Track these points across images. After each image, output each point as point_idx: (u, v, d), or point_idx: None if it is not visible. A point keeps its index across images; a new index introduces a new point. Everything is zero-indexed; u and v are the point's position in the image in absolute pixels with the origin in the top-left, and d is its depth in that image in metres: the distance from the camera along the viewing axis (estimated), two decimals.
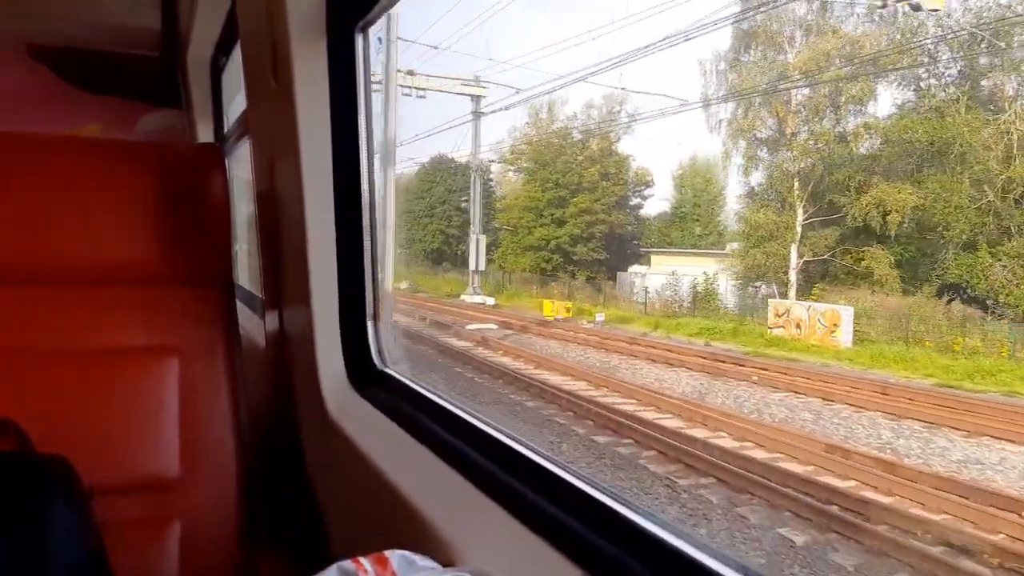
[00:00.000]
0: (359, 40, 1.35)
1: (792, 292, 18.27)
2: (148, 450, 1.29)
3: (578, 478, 0.86)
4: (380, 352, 1.47)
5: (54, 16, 3.09)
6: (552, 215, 28.02)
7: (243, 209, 3.01)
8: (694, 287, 20.71)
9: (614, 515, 0.77)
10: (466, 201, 30.39)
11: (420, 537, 0.89)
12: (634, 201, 29.80)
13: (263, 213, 1.75)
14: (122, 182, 1.40)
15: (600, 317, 18.04)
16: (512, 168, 32.34)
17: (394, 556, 0.68)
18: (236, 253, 1.79)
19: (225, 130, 3.41)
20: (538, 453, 0.95)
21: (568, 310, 18.88)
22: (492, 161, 30.42)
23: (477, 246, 23.95)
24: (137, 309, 1.38)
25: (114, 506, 1.10)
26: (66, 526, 0.94)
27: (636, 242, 28.48)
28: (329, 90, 1.37)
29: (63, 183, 1.36)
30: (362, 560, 0.67)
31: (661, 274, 22.35)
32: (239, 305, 1.53)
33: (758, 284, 19.95)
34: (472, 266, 24.34)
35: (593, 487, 0.83)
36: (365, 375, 1.44)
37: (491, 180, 32.01)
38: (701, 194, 27.75)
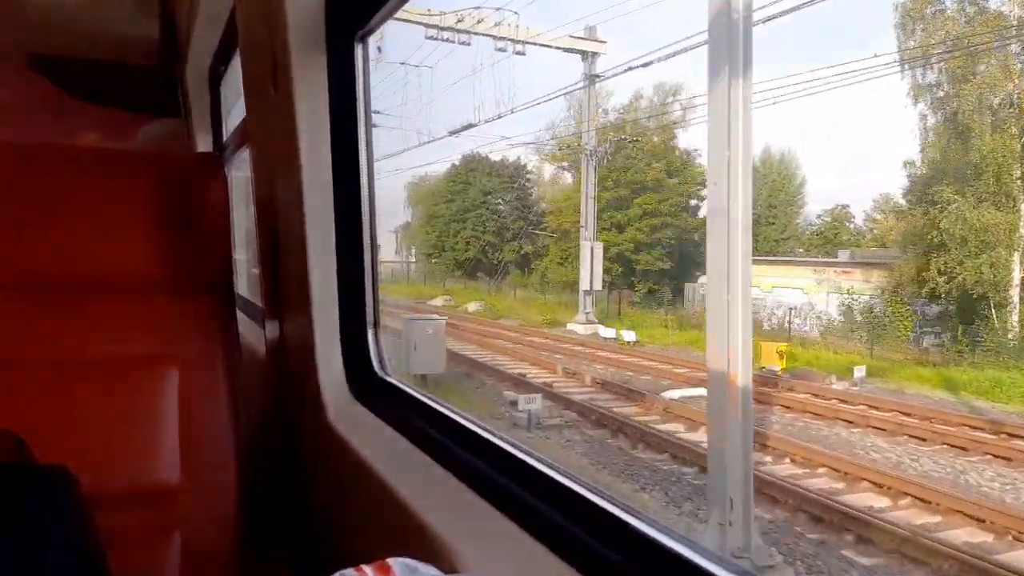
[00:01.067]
0: (358, 49, 1.36)
1: (1014, 316, 13.54)
2: (148, 459, 1.29)
3: (579, 484, 0.86)
4: (381, 360, 1.47)
5: (52, 26, 3.10)
6: (612, 218, 23.99)
7: (241, 218, 3.01)
8: (846, 307, 15.39)
9: (616, 521, 0.77)
10: (502, 204, 28.53)
11: (422, 545, 0.89)
12: (690, 202, 25.83)
13: (263, 221, 1.76)
14: (122, 191, 1.41)
15: (860, 373, 11.36)
16: (557, 165, 28.59)
17: (397, 564, 0.68)
18: (236, 262, 1.79)
19: (224, 139, 3.42)
20: (540, 460, 0.95)
21: (781, 355, 11.83)
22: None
23: (592, 258, 17.71)
24: (137, 318, 1.38)
25: (115, 516, 1.09)
26: (67, 536, 0.94)
27: (697, 248, 23.61)
28: (329, 99, 1.38)
29: (63, 193, 1.37)
30: (365, 568, 0.66)
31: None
32: (239, 314, 1.53)
33: (924, 304, 14.69)
34: (585, 285, 17.89)
35: (595, 493, 0.83)
36: (366, 383, 1.44)
37: (528, 180, 29.43)
38: (777, 192, 23.86)
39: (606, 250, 22.17)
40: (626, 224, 23.94)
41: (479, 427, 1.10)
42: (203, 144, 3.51)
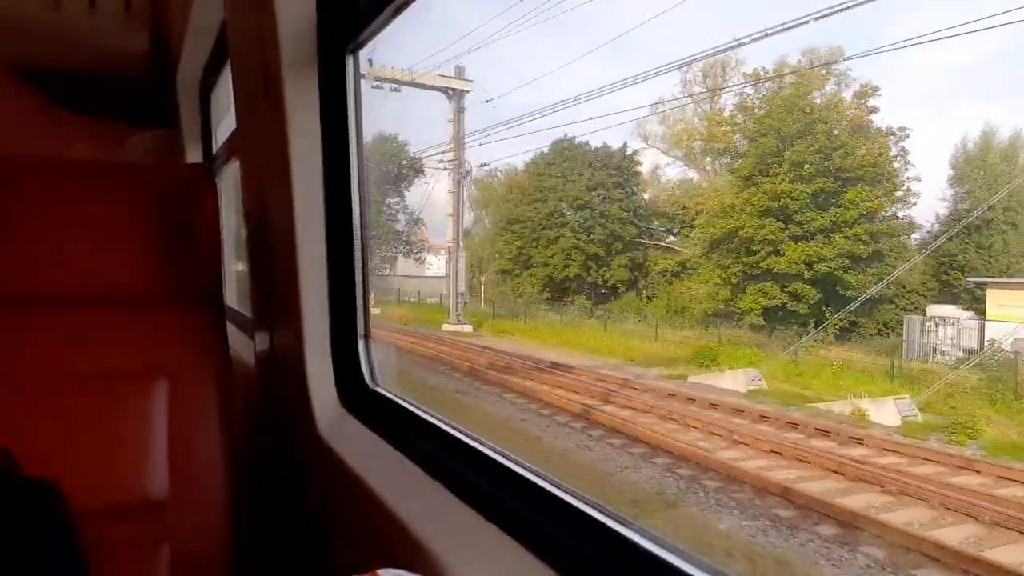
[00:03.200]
0: (349, 62, 1.37)
1: None
2: (137, 473, 1.28)
3: (569, 493, 0.86)
4: (371, 371, 1.47)
5: (42, 38, 3.09)
6: (809, 222, 16.05)
7: (231, 229, 3.01)
8: None
9: (606, 530, 0.78)
10: (606, 204, 21.83)
11: (412, 555, 0.89)
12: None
13: (253, 233, 1.76)
14: (112, 203, 1.41)
15: None
16: (675, 157, 21.40)
17: (387, 574, 0.68)
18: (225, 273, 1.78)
19: (214, 150, 3.42)
20: (529, 469, 0.95)
21: None
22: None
23: None
24: (126, 330, 1.38)
25: (103, 530, 1.09)
26: (54, 551, 0.93)
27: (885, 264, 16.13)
28: (320, 111, 1.38)
29: (52, 205, 1.36)
30: None
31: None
32: (228, 325, 1.53)
33: None
34: None
35: (584, 502, 0.83)
36: (356, 394, 1.44)
37: (632, 176, 22.42)
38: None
39: (808, 267, 15.75)
40: (833, 230, 15.95)
41: (468, 437, 1.11)
42: (193, 155, 3.51)
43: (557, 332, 18.41)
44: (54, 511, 0.96)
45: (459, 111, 19.66)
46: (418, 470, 1.10)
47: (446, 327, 19.16)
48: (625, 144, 22.86)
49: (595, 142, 22.69)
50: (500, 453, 1.02)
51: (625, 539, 0.75)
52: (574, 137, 22.50)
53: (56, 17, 3.00)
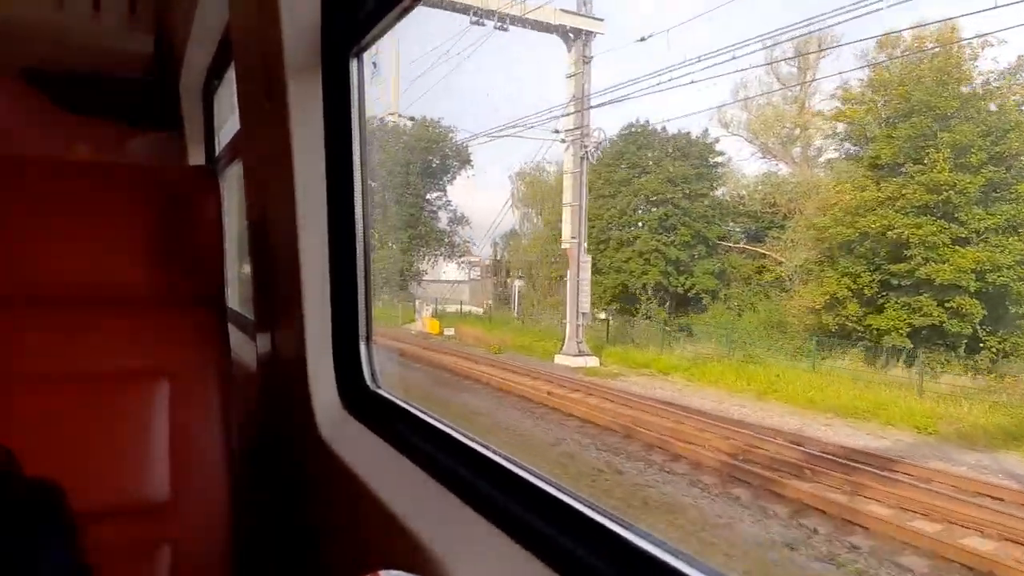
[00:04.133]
0: (353, 65, 1.38)
1: None
2: (138, 473, 1.28)
3: (569, 495, 0.86)
4: (373, 374, 1.47)
5: (46, 40, 3.11)
6: (974, 220, 12.12)
7: (233, 230, 3.01)
8: None
9: (605, 531, 0.78)
10: (687, 197, 17.99)
11: (413, 557, 0.89)
12: None
13: (255, 235, 1.76)
14: (116, 204, 1.41)
15: None
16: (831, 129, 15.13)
17: None
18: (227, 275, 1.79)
19: (217, 152, 3.42)
20: (530, 471, 0.95)
21: None
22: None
23: None
24: (128, 331, 1.38)
25: (104, 530, 1.09)
26: (55, 551, 0.93)
27: None
28: (323, 113, 1.39)
29: (56, 206, 1.37)
30: None
31: None
32: (230, 327, 1.53)
33: None
34: None
35: (583, 503, 0.83)
36: (358, 397, 1.44)
37: (713, 167, 18.45)
38: None
39: (977, 277, 11.70)
40: (1007, 230, 12.20)
41: (471, 440, 1.11)
42: (196, 157, 3.51)
43: (737, 371, 12.44)
44: (54, 511, 0.96)
45: (584, 60, 14.61)
46: (419, 471, 1.10)
47: (562, 360, 13.91)
48: (706, 131, 18.87)
49: (669, 128, 18.75)
50: (501, 455, 1.02)
51: (625, 540, 0.75)
52: (647, 122, 18.82)
53: (60, 19, 3.01)
